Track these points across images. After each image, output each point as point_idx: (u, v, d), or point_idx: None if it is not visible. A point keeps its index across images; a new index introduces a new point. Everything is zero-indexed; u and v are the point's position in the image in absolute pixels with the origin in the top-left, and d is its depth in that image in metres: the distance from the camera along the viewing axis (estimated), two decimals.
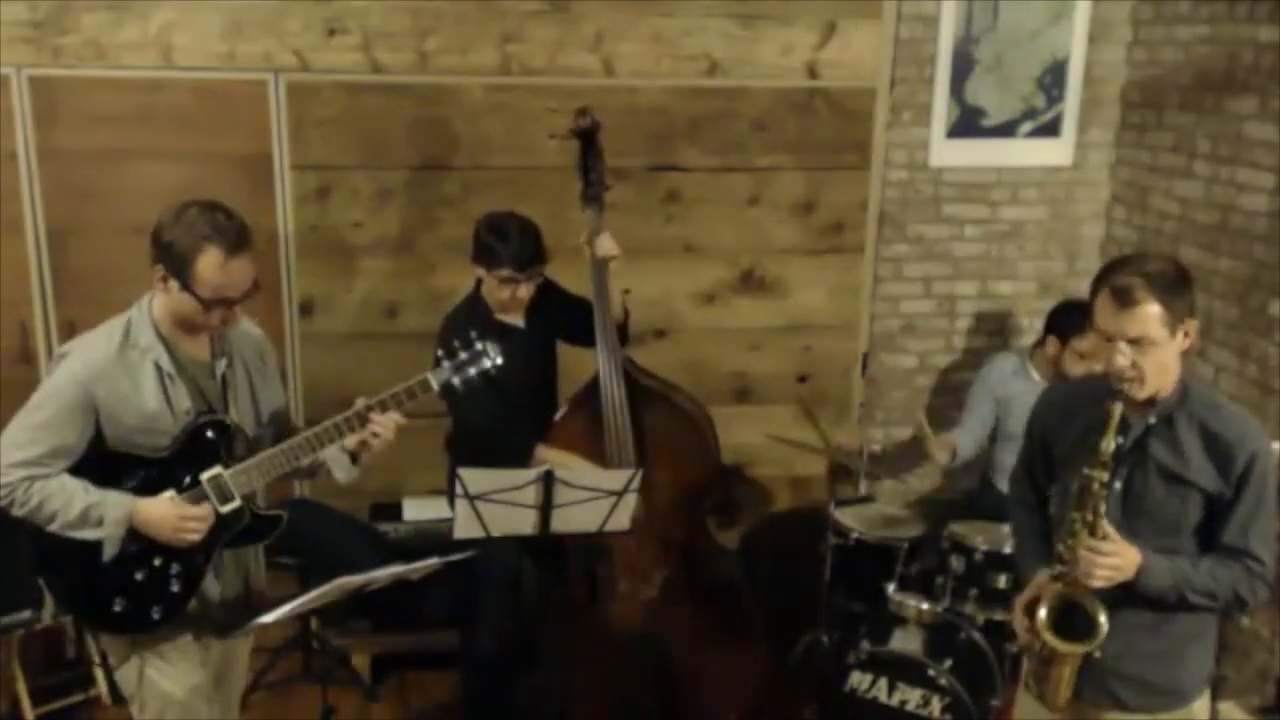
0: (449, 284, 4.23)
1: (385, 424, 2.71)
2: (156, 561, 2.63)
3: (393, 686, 4.32)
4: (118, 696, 3.91)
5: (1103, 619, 2.43)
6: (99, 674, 4.01)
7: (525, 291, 3.55)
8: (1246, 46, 3.96)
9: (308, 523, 4.06)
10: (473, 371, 2.80)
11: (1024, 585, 2.68)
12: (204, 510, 2.61)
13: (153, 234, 2.55)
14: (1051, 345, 4.06)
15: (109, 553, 2.58)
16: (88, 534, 2.56)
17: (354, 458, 2.82)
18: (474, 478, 3.08)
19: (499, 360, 2.83)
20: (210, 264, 2.51)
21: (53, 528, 2.55)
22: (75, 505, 2.54)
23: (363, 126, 4.24)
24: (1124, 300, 2.37)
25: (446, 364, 2.79)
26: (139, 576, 2.63)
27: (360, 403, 2.72)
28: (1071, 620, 2.48)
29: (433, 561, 2.94)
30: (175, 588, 2.66)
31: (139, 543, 2.60)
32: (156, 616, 2.66)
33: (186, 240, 2.50)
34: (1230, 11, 4.04)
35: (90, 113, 4.05)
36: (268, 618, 2.75)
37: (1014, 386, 4.20)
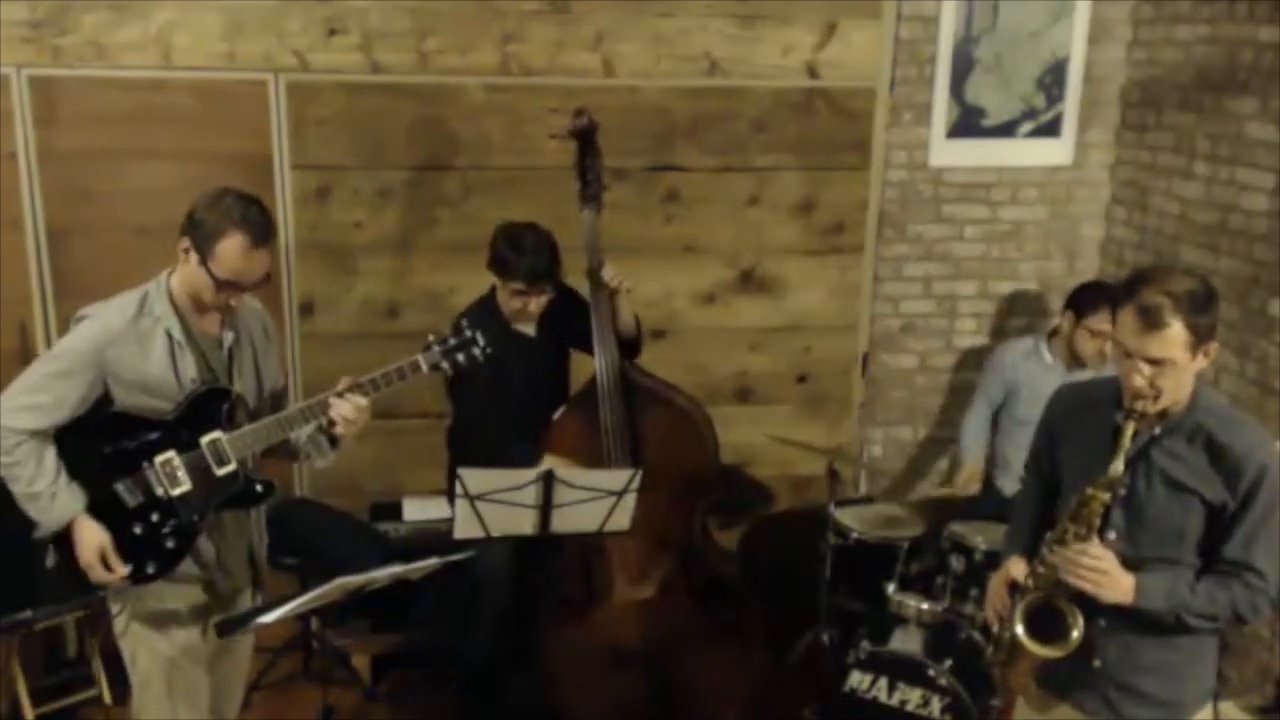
0: (449, 284, 4.24)
1: (348, 407, 2.78)
2: (154, 518, 2.74)
3: (393, 686, 4.32)
4: (118, 696, 3.93)
5: (1076, 632, 2.43)
6: (99, 674, 4.01)
7: (535, 305, 3.56)
8: (1246, 46, 3.96)
9: (308, 523, 4.07)
10: (460, 357, 2.88)
11: (1002, 557, 2.72)
12: (122, 570, 2.71)
13: (189, 209, 2.69)
14: (1066, 321, 4.06)
15: (38, 535, 2.71)
16: (30, 510, 2.68)
17: (332, 441, 2.91)
18: (474, 478, 3.08)
19: (488, 350, 2.89)
20: (232, 248, 2.64)
21: (13, 489, 2.68)
22: (39, 482, 2.66)
23: (362, 126, 4.23)
24: (1151, 321, 2.29)
25: (436, 348, 2.87)
26: (137, 531, 2.74)
27: (347, 380, 2.82)
28: (1045, 621, 2.48)
29: (433, 561, 2.95)
30: (170, 544, 2.77)
31: (139, 498, 2.72)
32: (150, 571, 2.76)
33: (217, 221, 2.65)
34: (1230, 11, 4.04)
35: (90, 113, 4.05)
36: (267, 618, 2.77)
37: (1024, 369, 4.20)
